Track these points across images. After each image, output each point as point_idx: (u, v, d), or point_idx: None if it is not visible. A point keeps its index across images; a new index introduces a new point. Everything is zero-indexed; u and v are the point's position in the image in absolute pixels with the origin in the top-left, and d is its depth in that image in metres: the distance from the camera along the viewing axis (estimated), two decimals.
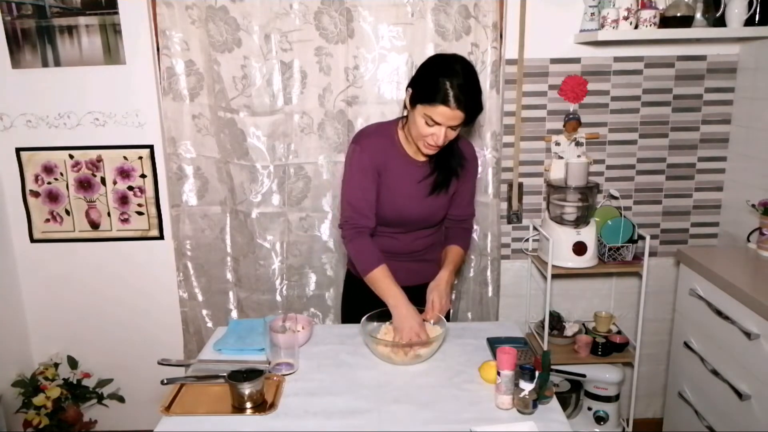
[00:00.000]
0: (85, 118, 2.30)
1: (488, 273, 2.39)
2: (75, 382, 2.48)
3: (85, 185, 2.37)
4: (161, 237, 2.42)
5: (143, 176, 2.36)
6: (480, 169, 2.11)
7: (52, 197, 2.38)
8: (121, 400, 2.54)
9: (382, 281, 1.66)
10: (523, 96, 2.28)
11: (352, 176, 1.70)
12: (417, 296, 1.69)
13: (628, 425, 2.41)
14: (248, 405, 1.36)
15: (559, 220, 2.24)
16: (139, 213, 2.39)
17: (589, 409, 2.38)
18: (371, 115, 2.21)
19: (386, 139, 1.70)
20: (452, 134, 1.58)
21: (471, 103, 1.52)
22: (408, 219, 1.76)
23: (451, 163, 1.72)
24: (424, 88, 1.54)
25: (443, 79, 1.51)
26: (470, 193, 1.84)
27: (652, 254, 2.34)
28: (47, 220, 2.40)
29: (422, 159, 1.72)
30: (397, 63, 2.19)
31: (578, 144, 2.33)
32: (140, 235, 2.41)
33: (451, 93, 1.50)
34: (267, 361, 1.53)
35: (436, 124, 1.55)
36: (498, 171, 2.29)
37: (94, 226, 2.41)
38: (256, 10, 2.12)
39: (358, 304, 1.71)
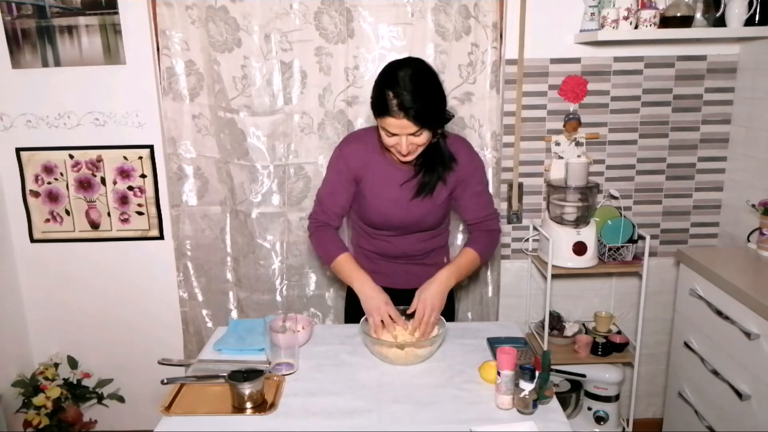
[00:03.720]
0: (85, 118, 2.30)
1: (488, 273, 2.39)
2: (75, 382, 2.48)
3: (85, 185, 2.37)
4: (161, 237, 2.42)
5: (143, 176, 2.36)
6: None
7: (52, 197, 2.38)
8: (121, 400, 2.54)
9: (346, 266, 1.69)
10: (523, 96, 2.28)
11: (329, 178, 1.77)
12: None
13: (628, 425, 2.41)
14: (248, 405, 1.36)
15: (559, 220, 2.24)
16: (139, 213, 2.39)
17: (589, 409, 2.38)
18: (371, 115, 2.18)
19: (367, 145, 1.71)
20: (418, 140, 1.56)
21: (418, 110, 1.49)
22: (394, 223, 1.76)
23: (436, 168, 1.69)
24: (374, 101, 1.56)
25: (386, 89, 1.51)
26: (476, 196, 1.77)
27: (652, 254, 2.34)
28: (47, 220, 2.40)
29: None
30: None
31: (578, 144, 2.33)
32: (140, 235, 2.41)
33: (394, 103, 1.49)
34: (267, 361, 1.53)
35: (393, 135, 1.55)
36: (498, 171, 2.29)
37: (94, 226, 2.41)
38: (256, 10, 2.12)
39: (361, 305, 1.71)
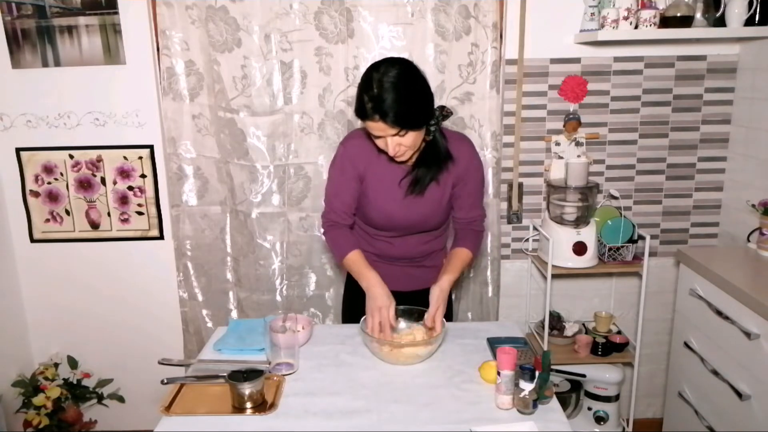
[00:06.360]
0: (85, 118, 2.30)
1: (488, 273, 2.39)
2: (75, 382, 2.48)
3: (85, 185, 2.37)
4: (161, 237, 2.42)
5: (143, 176, 2.36)
6: None
7: (52, 197, 2.38)
8: (121, 400, 2.54)
9: (356, 264, 1.69)
10: (523, 96, 2.28)
11: (333, 177, 1.76)
12: (415, 302, 1.68)
13: (628, 425, 2.41)
14: (248, 405, 1.36)
15: (559, 220, 2.24)
16: (139, 213, 2.39)
17: (589, 409, 2.39)
18: None
19: (369, 143, 1.69)
20: (404, 141, 1.55)
21: (393, 112, 1.48)
22: (394, 222, 1.75)
23: (430, 166, 1.68)
24: (355, 105, 1.56)
25: (362, 93, 1.52)
26: (472, 195, 1.77)
27: (652, 254, 2.34)
28: (47, 220, 2.40)
29: None
30: None
31: (578, 144, 2.33)
32: (140, 235, 2.41)
33: (368, 106, 1.49)
34: (267, 361, 1.53)
35: (378, 136, 1.55)
36: (498, 171, 2.29)
37: (94, 226, 2.41)
38: (256, 10, 2.12)
39: (360, 305, 1.70)
